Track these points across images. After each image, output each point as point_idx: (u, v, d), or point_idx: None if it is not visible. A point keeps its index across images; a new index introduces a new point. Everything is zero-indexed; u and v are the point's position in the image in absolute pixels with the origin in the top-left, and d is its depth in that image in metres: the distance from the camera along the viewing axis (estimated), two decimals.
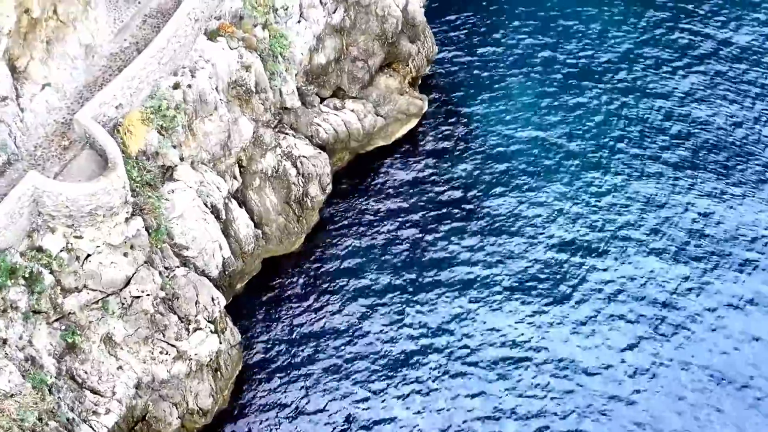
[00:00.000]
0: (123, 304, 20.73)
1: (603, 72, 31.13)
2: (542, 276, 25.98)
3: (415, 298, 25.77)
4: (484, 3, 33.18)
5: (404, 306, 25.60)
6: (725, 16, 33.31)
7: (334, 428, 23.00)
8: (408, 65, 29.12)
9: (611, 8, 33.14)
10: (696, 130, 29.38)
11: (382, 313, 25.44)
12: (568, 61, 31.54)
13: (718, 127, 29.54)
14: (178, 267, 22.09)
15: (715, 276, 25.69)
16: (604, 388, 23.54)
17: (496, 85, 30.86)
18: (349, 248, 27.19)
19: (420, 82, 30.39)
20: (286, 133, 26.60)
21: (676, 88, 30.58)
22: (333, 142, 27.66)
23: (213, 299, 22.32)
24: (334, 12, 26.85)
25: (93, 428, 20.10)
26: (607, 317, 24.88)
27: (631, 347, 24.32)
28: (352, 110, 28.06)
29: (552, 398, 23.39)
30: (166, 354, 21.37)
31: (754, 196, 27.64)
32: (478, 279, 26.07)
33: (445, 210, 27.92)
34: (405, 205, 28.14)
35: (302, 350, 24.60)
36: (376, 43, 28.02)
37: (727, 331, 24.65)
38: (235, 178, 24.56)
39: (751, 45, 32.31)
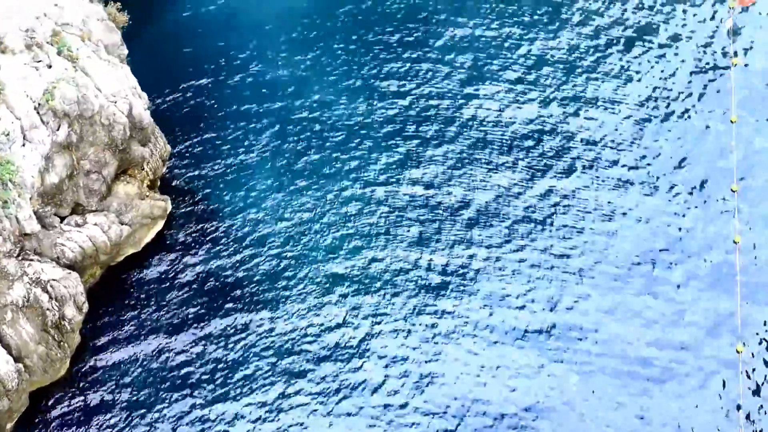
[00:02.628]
0: None
1: (336, 138, 33.62)
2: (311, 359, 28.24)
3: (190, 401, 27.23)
4: (212, 93, 34.94)
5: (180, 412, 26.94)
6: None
7: None
8: (144, 169, 30.12)
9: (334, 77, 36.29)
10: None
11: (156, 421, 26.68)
12: (303, 133, 33.80)
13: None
14: None
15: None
16: None
17: (236, 172, 32.37)
18: (115, 363, 27.76)
19: (159, 183, 31.31)
20: (31, 260, 26.85)
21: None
22: (81, 259, 28.08)
23: None
24: (58, 129, 27.59)
25: None
26: None
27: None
28: (95, 224, 28.69)
29: None
30: None
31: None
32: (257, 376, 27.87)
33: (202, 308, 29.09)
34: (164, 308, 28.97)
35: None
36: (107, 153, 29.03)
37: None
38: None
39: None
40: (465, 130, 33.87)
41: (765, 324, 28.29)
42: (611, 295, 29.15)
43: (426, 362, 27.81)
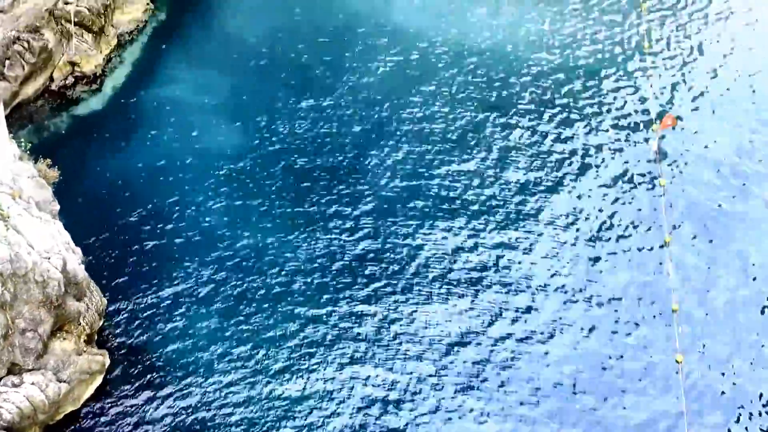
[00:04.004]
0: None
1: (274, 281, 34.11)
2: None
3: None
4: (146, 243, 35.30)
5: None
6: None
7: None
8: (80, 324, 30.15)
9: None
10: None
11: None
12: (241, 278, 34.20)
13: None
14: None
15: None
16: None
17: (175, 322, 32.48)
18: None
19: (97, 337, 31.20)
20: None
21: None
22: (19, 420, 27.57)
23: None
24: None
25: None
26: None
27: None
28: (33, 383, 28.42)
29: None
30: None
31: None
32: None
33: None
34: None
35: None
36: (42, 310, 29.09)
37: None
38: None
39: None
40: (408, 270, 34.62)
41: None
42: None
43: None
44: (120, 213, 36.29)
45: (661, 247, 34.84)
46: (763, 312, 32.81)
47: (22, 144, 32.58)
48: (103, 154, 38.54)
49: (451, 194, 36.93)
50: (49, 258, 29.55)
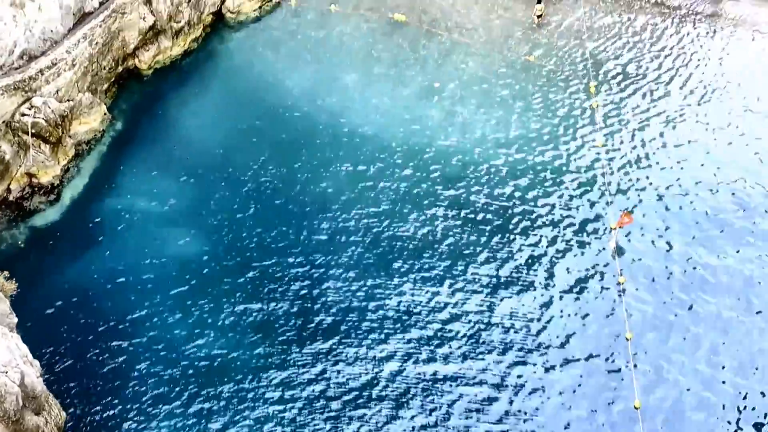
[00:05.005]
0: None
1: (233, 389, 34.39)
2: None
3: None
4: (105, 354, 35.37)
5: None
6: None
7: None
8: None
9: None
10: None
11: None
12: (201, 385, 34.46)
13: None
14: None
15: None
16: None
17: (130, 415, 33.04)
18: None
19: None
20: None
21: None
22: None
23: None
24: None
25: None
26: None
27: None
28: None
29: None
30: None
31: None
32: None
33: None
34: None
35: None
36: (0, 426, 29.15)
37: None
38: None
39: None
40: (373, 385, 34.98)
41: None
42: None
43: None
44: (79, 325, 36.37)
45: (627, 340, 35.69)
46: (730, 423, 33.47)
47: None
48: (61, 266, 38.74)
49: (412, 304, 37.53)
50: (6, 372, 29.49)
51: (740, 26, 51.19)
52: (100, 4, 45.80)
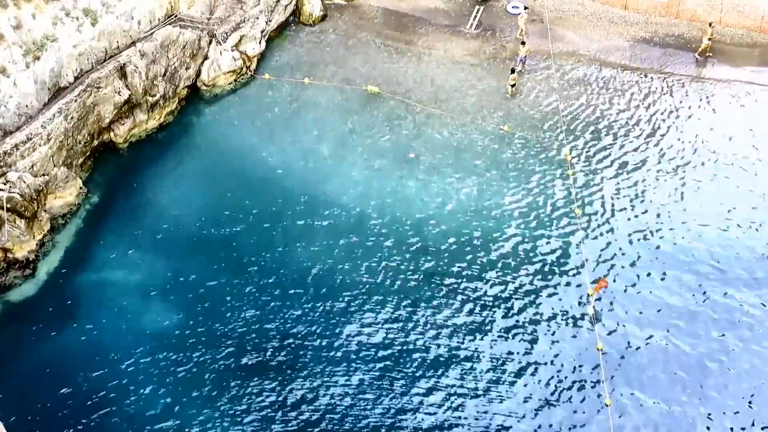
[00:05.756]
0: None
1: None
2: None
3: None
4: None
5: None
6: None
7: None
8: None
9: None
10: None
11: None
12: None
13: None
14: None
15: None
16: None
17: None
18: None
19: None
20: None
21: None
22: None
23: None
24: None
25: None
26: None
27: None
28: None
29: None
30: None
31: None
32: None
33: None
34: None
35: None
36: None
37: None
38: None
39: None
40: None
41: None
42: None
43: None
44: (55, 402, 36.22)
45: (606, 406, 36.09)
46: None
47: None
48: (37, 341, 38.67)
49: (395, 378, 37.87)
50: None
51: (719, 88, 52.57)
52: (76, 78, 46.47)
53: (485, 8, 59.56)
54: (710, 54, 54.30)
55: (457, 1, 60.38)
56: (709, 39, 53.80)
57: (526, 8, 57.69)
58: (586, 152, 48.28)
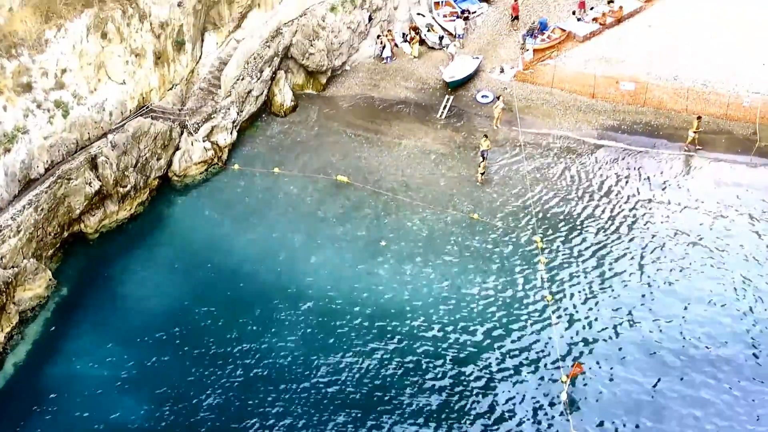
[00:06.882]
0: None
1: None
2: None
3: None
4: None
5: None
6: None
7: None
8: None
9: None
10: None
11: None
12: None
13: None
14: None
15: None
16: None
17: None
18: None
19: None
20: None
21: None
22: None
23: None
24: None
25: None
26: None
27: None
28: None
29: None
30: None
31: None
32: None
33: None
34: None
35: None
36: None
37: None
38: None
39: None
40: None
41: None
42: None
43: None
44: None
45: None
46: None
47: None
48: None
49: None
50: None
51: (696, 175, 53.89)
52: (46, 170, 47.09)
53: (455, 97, 60.98)
54: (700, 147, 55.37)
55: (427, 91, 61.83)
56: (695, 132, 54.88)
57: (498, 97, 59.11)
58: (558, 239, 49.17)
